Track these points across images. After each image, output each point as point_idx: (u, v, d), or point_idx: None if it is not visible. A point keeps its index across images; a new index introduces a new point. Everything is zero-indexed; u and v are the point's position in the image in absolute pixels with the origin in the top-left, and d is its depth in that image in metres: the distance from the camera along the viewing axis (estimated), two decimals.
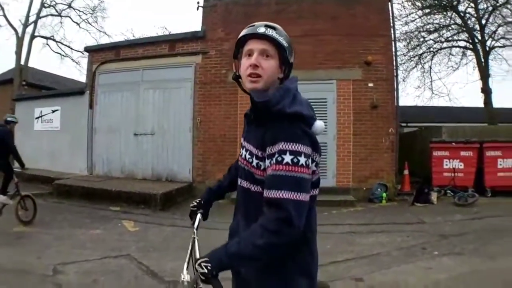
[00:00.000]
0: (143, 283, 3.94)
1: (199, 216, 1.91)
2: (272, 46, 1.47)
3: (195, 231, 1.82)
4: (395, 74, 9.87)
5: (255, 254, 1.29)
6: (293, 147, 1.33)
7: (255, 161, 1.45)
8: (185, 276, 1.67)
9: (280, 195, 1.30)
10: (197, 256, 1.73)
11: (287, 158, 1.32)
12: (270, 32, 1.47)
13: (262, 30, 1.47)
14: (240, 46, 1.54)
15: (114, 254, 4.86)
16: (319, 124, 1.47)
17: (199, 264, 1.31)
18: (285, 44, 1.49)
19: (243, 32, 1.52)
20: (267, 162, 1.38)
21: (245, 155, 1.52)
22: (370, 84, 9.35)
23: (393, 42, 9.86)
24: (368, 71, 9.38)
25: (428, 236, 5.62)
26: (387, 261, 4.53)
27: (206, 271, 1.30)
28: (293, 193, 1.30)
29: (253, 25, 1.51)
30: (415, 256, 4.69)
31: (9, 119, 6.80)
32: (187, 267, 1.73)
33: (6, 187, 6.42)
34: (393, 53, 9.82)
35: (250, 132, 1.55)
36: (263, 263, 1.36)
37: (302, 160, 1.33)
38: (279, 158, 1.33)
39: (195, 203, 1.94)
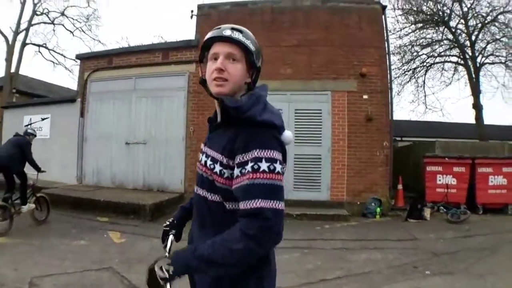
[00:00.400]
0: None
1: (171, 237, 1.76)
2: (239, 50, 1.41)
3: (167, 254, 1.67)
4: (389, 87, 9.83)
5: (230, 259, 1.20)
6: (268, 154, 1.27)
7: (218, 168, 1.36)
8: None
9: (260, 204, 1.21)
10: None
11: (264, 165, 1.25)
12: (236, 35, 1.41)
13: (228, 33, 1.41)
14: (205, 50, 1.48)
15: (96, 267, 4.68)
16: (288, 134, 1.40)
17: (160, 268, 1.21)
18: (252, 47, 1.43)
19: (208, 35, 1.45)
20: (237, 171, 1.29)
21: (205, 161, 1.42)
22: (365, 96, 9.31)
23: (387, 55, 9.85)
24: (363, 83, 9.35)
25: (420, 254, 5.50)
26: (378, 280, 4.40)
27: (167, 276, 1.20)
28: (272, 201, 1.23)
29: (219, 28, 1.44)
30: (406, 275, 4.56)
31: (29, 131, 7.30)
32: None
33: (25, 196, 6.82)
34: (388, 65, 9.81)
35: (214, 138, 1.47)
36: (234, 271, 1.25)
37: (278, 167, 1.27)
38: (256, 166, 1.25)
39: (168, 223, 1.81)
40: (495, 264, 4.97)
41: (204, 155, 1.46)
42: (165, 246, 1.73)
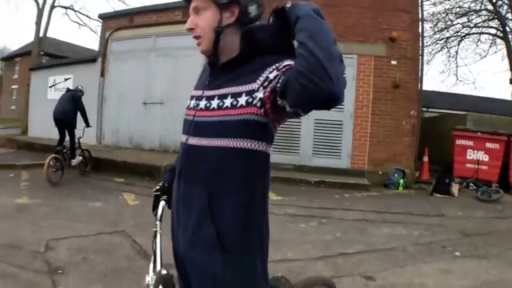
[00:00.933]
0: (132, 264, 3.63)
1: (162, 203, 1.52)
2: None
3: (158, 222, 1.46)
4: (420, 54, 9.22)
5: (331, 41, 1.03)
6: None
7: (243, 99, 1.18)
8: (150, 279, 1.37)
9: None
10: (158, 254, 1.39)
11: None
12: None
13: None
14: None
15: (109, 230, 4.60)
16: None
17: None
18: None
19: None
20: (274, 73, 1.15)
21: (219, 104, 1.23)
22: (393, 62, 8.79)
23: (420, 20, 9.20)
24: (392, 48, 8.80)
25: (449, 233, 5.13)
26: (402, 258, 4.11)
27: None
28: None
29: None
30: (434, 255, 4.24)
31: (79, 87, 7.98)
32: (154, 267, 1.41)
33: (74, 150, 7.49)
34: (420, 31, 9.19)
35: (221, 78, 1.29)
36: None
37: None
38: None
39: (158, 187, 1.57)
40: None
41: (205, 99, 1.29)
42: (156, 213, 1.50)
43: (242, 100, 1.18)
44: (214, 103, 1.24)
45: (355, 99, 8.84)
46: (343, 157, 8.87)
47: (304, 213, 5.82)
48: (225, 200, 1.21)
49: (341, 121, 8.84)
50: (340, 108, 8.79)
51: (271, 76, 1.14)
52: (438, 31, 18.21)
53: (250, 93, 1.17)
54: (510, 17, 16.33)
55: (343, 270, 3.70)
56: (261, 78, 1.16)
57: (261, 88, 1.15)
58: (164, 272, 1.30)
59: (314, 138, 8.93)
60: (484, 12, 17.16)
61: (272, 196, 6.71)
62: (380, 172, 8.65)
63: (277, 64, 1.15)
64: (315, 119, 8.82)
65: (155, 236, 1.44)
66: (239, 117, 1.18)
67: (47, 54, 17.45)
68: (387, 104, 8.80)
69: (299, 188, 7.71)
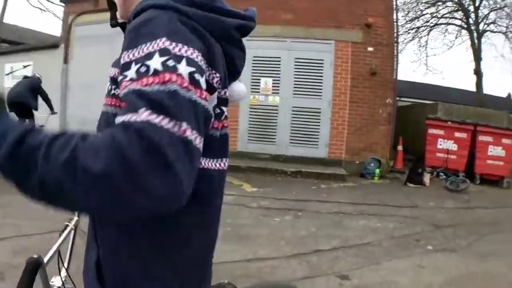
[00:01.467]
0: (82, 265, 3.28)
1: None
2: None
3: (75, 218, 1.26)
4: (395, 41, 9.08)
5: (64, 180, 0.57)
6: (162, 44, 0.68)
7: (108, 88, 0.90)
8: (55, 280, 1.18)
9: (143, 117, 0.60)
10: (53, 250, 1.19)
11: (154, 63, 0.66)
12: None
13: None
14: None
15: (57, 228, 4.17)
16: (237, 87, 0.94)
17: None
18: None
19: None
20: (120, 77, 0.70)
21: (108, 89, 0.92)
22: (370, 48, 8.67)
23: (394, 7, 9.15)
24: (368, 34, 8.66)
25: (422, 225, 5.13)
26: (377, 253, 4.03)
27: None
28: (169, 119, 0.60)
29: None
30: (408, 250, 4.20)
31: (37, 75, 8.01)
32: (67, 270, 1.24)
33: None
34: (394, 18, 9.14)
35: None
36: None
37: (182, 64, 0.67)
38: (142, 68, 0.66)
39: None
40: (499, 243, 4.57)
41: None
42: None
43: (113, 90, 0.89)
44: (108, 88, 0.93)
45: (333, 86, 8.67)
46: (321, 146, 8.75)
47: (279, 205, 5.68)
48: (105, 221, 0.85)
49: (319, 109, 8.69)
50: (318, 95, 8.61)
51: (119, 79, 0.71)
52: (410, 20, 18.40)
53: (113, 81, 0.88)
54: (472, 9, 16.71)
55: (318, 269, 3.58)
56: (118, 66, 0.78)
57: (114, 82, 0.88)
58: (35, 256, 1.02)
59: (291, 127, 8.76)
60: (450, 4, 17.53)
61: (246, 188, 6.56)
62: (357, 162, 8.59)
63: (125, 58, 0.71)
64: (293, 107, 8.68)
65: (63, 230, 1.24)
66: (106, 108, 0.90)
67: (5, 41, 16.48)
68: (365, 91, 8.69)
69: (275, 179, 7.55)
